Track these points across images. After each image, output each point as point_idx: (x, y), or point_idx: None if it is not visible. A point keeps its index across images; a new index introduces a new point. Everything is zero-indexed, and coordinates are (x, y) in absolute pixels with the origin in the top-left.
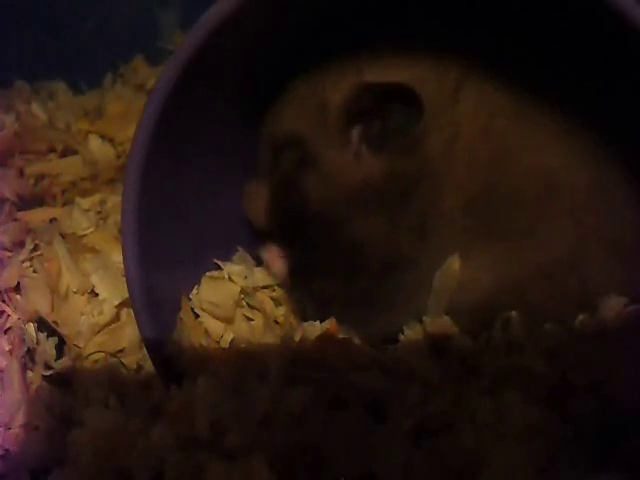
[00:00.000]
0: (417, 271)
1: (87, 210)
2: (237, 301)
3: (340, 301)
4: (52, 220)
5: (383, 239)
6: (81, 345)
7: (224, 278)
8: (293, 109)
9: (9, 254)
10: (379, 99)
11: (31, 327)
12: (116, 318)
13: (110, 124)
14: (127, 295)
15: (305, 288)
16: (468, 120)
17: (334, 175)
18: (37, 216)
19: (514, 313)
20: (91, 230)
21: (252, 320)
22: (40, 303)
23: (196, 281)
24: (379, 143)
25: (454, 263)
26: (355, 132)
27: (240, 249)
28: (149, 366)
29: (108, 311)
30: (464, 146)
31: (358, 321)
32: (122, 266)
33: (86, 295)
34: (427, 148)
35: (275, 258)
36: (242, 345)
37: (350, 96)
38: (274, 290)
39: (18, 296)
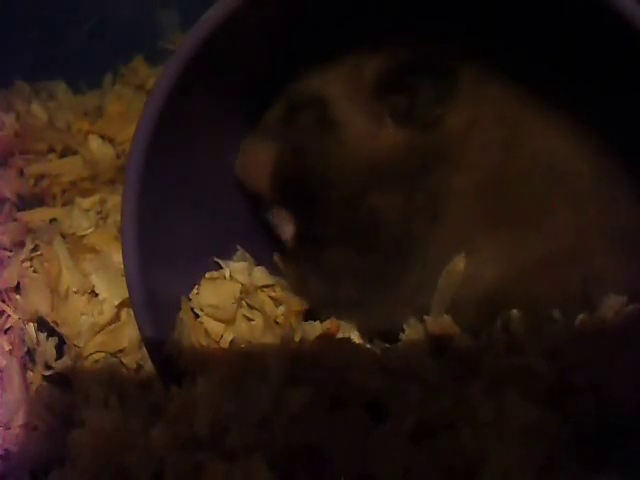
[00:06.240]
0: (425, 259)
1: (87, 210)
2: (237, 300)
3: (347, 276)
4: (52, 220)
5: (397, 216)
6: (81, 345)
7: (224, 278)
8: (323, 73)
9: (9, 254)
10: (412, 71)
11: (31, 327)
12: (116, 318)
13: (110, 124)
14: (127, 295)
15: (313, 259)
16: (488, 104)
17: (356, 143)
18: (37, 216)
19: (515, 312)
20: (91, 230)
21: (252, 320)
22: (40, 303)
23: (196, 281)
24: (405, 117)
25: (459, 263)
26: (384, 103)
27: (240, 249)
28: (149, 366)
29: (108, 311)
30: (480, 129)
31: (361, 304)
32: (122, 266)
33: (86, 295)
34: (447, 127)
35: (284, 222)
36: (242, 345)
37: (385, 66)
38: (274, 290)
39: (18, 296)
